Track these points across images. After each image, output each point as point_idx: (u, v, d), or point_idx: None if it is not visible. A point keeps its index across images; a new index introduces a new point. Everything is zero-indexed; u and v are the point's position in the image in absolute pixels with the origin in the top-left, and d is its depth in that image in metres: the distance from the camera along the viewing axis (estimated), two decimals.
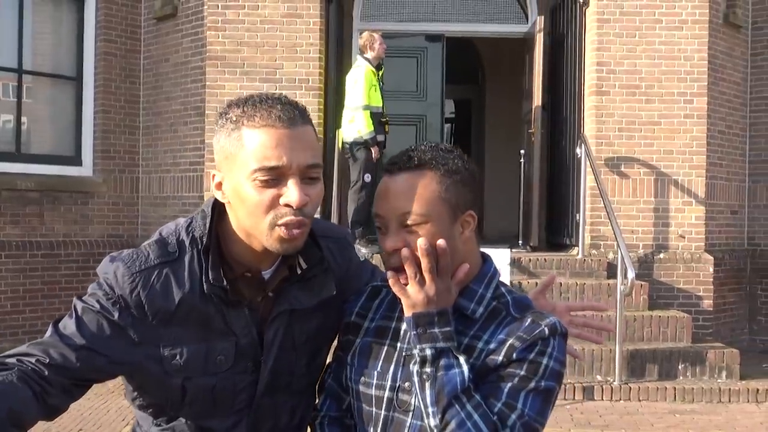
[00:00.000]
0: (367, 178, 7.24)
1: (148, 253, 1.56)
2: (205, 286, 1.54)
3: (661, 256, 7.74)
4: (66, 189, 8.33)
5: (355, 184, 7.36)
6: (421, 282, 1.47)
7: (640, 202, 7.77)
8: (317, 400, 1.72)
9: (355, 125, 7.32)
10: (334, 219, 7.31)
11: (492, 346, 1.50)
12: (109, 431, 5.37)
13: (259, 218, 1.48)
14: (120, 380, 1.69)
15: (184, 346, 1.55)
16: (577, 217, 7.79)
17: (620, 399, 6.21)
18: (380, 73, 7.61)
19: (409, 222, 1.49)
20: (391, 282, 1.51)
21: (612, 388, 6.25)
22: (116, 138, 8.69)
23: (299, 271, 1.62)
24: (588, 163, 7.46)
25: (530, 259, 7.47)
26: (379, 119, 7.36)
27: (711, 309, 7.75)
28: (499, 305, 1.56)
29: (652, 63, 7.76)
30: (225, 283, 1.54)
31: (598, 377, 6.40)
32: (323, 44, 7.90)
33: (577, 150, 7.73)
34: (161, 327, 1.54)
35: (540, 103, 8.65)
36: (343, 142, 7.51)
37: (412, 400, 1.51)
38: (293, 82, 7.73)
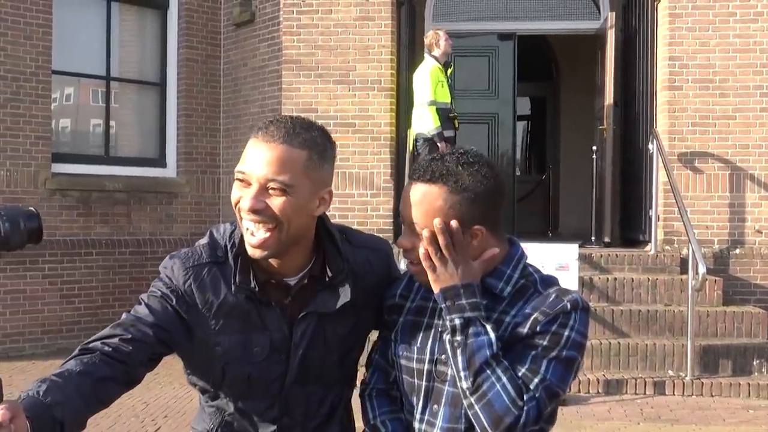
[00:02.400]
0: None
1: (201, 252, 1.79)
2: (233, 288, 1.74)
3: (737, 251, 7.64)
4: (151, 190, 8.74)
5: None
6: (442, 259, 1.64)
7: (714, 197, 7.69)
8: (365, 375, 1.91)
9: (422, 122, 7.47)
10: None
11: (519, 319, 1.66)
12: (192, 418, 5.66)
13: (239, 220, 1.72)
14: None
15: (227, 335, 1.76)
16: (650, 213, 7.76)
17: (692, 394, 6.20)
18: (449, 71, 7.75)
19: (417, 230, 1.67)
20: (412, 270, 1.72)
21: (684, 383, 6.23)
22: (198, 140, 9.07)
23: (327, 279, 1.80)
24: (660, 158, 7.44)
25: (601, 255, 7.49)
26: (446, 115, 7.48)
27: None
28: (527, 283, 1.71)
29: (726, 56, 7.68)
30: (253, 285, 1.75)
31: (670, 372, 6.39)
32: (395, 46, 8.09)
33: (649, 146, 7.70)
34: (209, 316, 1.76)
35: (612, 100, 8.64)
36: (413, 141, 7.66)
37: (448, 370, 1.67)
38: (366, 84, 7.94)
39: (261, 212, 1.66)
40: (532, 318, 1.63)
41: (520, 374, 1.60)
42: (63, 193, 8.07)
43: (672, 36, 7.72)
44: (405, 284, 1.85)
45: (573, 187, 12.02)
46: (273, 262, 1.75)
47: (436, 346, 1.72)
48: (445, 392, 1.69)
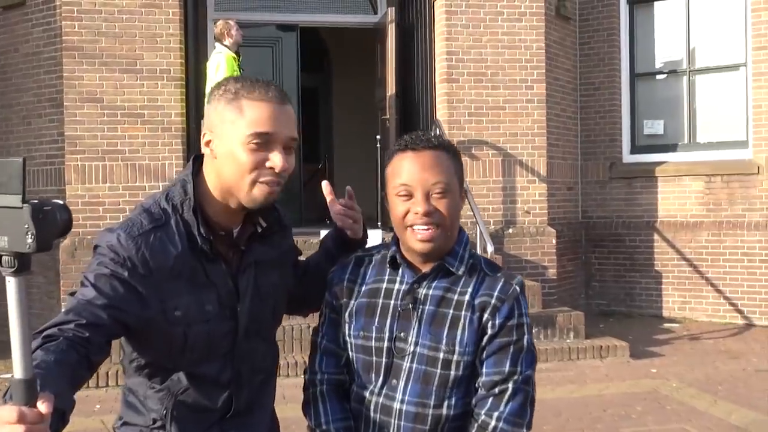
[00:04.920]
0: None
1: (141, 221, 1.76)
2: (198, 240, 1.77)
3: (510, 231, 8.38)
4: None
5: None
6: None
7: (489, 181, 8.37)
8: (313, 361, 1.94)
9: None
10: None
11: (477, 301, 1.82)
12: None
13: (244, 175, 1.75)
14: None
15: (182, 297, 1.76)
16: None
17: None
18: (239, 60, 7.76)
19: (438, 191, 1.80)
20: (425, 236, 1.81)
21: None
22: None
23: (260, 230, 1.90)
24: None
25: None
26: None
27: (555, 277, 8.49)
28: (475, 262, 1.89)
29: (496, 52, 8.36)
30: (210, 237, 1.79)
31: None
32: (182, 34, 7.93)
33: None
34: (162, 282, 1.74)
35: (393, 91, 9.06)
36: None
37: (407, 347, 1.80)
38: (154, 73, 7.71)
39: (286, 170, 1.81)
40: (491, 305, 1.80)
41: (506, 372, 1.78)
42: None
43: (449, 32, 8.27)
44: (352, 269, 1.94)
45: (351, 175, 12.38)
46: (229, 210, 1.82)
47: (395, 324, 1.82)
48: (404, 368, 1.80)
